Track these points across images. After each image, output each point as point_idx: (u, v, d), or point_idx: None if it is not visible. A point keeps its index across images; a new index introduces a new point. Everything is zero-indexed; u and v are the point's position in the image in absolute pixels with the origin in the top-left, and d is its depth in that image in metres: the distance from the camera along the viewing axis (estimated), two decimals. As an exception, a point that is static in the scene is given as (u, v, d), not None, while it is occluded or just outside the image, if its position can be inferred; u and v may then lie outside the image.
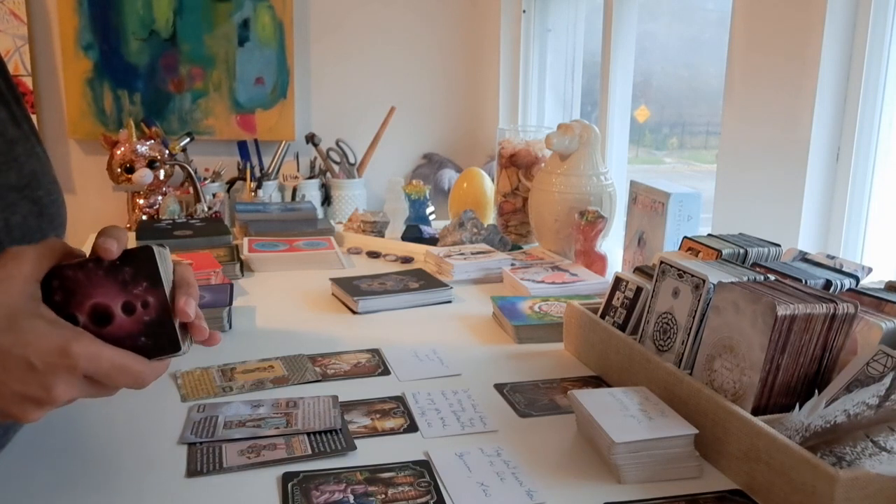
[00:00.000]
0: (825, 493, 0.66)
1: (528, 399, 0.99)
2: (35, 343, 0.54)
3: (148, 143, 2.44)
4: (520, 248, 1.80)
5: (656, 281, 1.00)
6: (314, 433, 0.87)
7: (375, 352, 1.15)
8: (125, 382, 0.59)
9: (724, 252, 1.04)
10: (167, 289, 0.61)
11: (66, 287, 0.60)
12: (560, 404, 0.97)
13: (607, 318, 1.10)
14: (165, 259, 0.63)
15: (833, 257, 1.00)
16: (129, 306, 0.60)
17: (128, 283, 0.60)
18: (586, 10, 2.31)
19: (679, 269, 0.95)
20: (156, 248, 0.62)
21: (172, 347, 0.61)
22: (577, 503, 0.76)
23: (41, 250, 0.58)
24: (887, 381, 0.71)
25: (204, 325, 0.63)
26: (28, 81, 2.46)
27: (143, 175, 2.39)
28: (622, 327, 1.06)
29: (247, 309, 1.34)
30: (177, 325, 0.61)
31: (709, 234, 1.15)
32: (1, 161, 0.73)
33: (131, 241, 0.77)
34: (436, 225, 1.95)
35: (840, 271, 0.95)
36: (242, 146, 2.56)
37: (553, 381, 1.06)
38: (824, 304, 0.79)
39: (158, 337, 0.61)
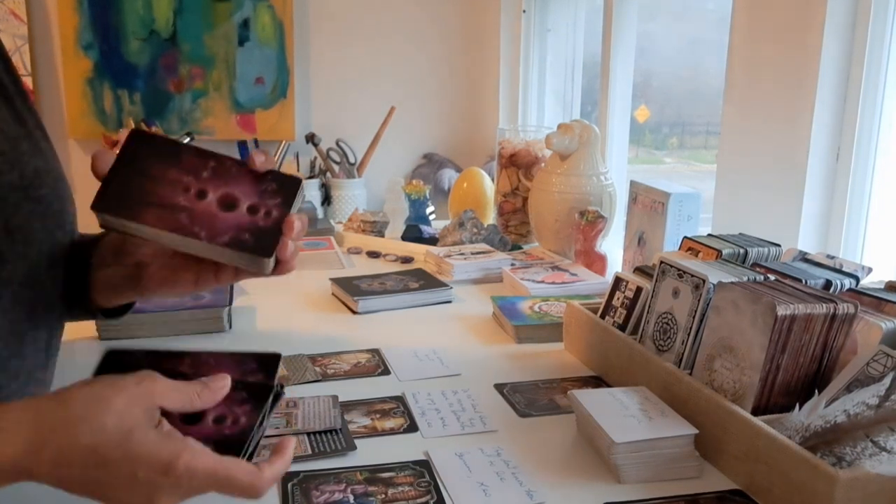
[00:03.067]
0: (825, 493, 0.66)
1: (528, 399, 0.99)
2: (143, 459, 0.56)
3: (148, 142, 2.44)
4: (520, 248, 1.80)
5: (656, 281, 1.00)
6: (314, 433, 0.87)
7: (375, 352, 1.15)
8: (234, 492, 0.60)
9: (724, 252, 1.04)
10: (265, 426, 0.65)
11: (217, 170, 0.67)
12: (560, 404, 0.97)
13: (607, 318, 1.10)
14: (301, 196, 0.69)
15: (833, 257, 1.00)
16: (255, 208, 0.67)
17: (265, 194, 0.67)
18: (586, 10, 2.31)
19: (679, 269, 0.95)
20: (277, 397, 0.66)
21: (264, 251, 0.66)
22: (577, 503, 0.76)
23: (174, 384, 0.60)
24: (887, 381, 0.71)
25: (293, 248, 0.68)
26: (28, 81, 2.46)
27: (143, 175, 2.39)
28: (622, 327, 1.06)
29: (247, 309, 1.34)
30: (247, 449, 0.63)
31: (709, 234, 1.15)
32: (2, 160, 0.72)
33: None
34: (436, 225, 1.95)
35: (840, 271, 0.95)
36: (242, 146, 2.56)
37: (553, 381, 1.06)
38: (824, 304, 0.79)
39: (259, 238, 0.66)
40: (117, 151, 0.67)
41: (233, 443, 0.61)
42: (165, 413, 0.60)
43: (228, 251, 0.66)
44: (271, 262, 0.67)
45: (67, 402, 0.56)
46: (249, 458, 0.62)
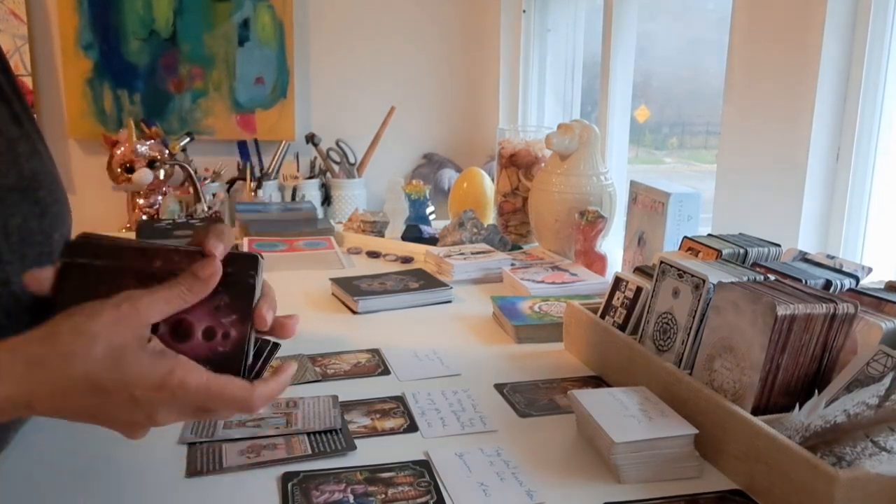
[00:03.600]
0: (825, 493, 0.66)
1: (528, 399, 0.99)
2: (137, 380, 0.57)
3: (148, 143, 2.44)
4: (520, 248, 1.80)
5: (656, 281, 1.00)
6: (314, 433, 0.87)
7: (375, 352, 1.15)
8: (230, 408, 0.61)
9: (724, 252, 1.04)
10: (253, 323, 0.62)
11: None
12: (560, 404, 0.97)
13: (607, 318, 1.10)
14: (260, 278, 0.63)
15: (833, 257, 1.00)
16: (211, 332, 0.61)
17: (220, 310, 0.61)
18: (586, 10, 2.31)
19: (679, 269, 0.95)
20: (256, 279, 0.62)
21: None
22: (577, 503, 0.76)
23: (156, 294, 0.59)
24: (887, 381, 0.71)
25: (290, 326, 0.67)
26: (28, 81, 2.46)
27: (143, 175, 2.39)
28: (622, 327, 1.06)
29: (247, 309, 1.34)
30: (243, 365, 0.62)
31: (709, 234, 1.15)
32: (0, 161, 0.72)
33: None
34: (436, 225, 1.95)
35: (840, 271, 0.95)
36: (242, 146, 2.56)
37: (553, 381, 1.06)
38: (824, 304, 0.79)
39: (222, 370, 0.61)
40: (53, 275, 0.61)
41: (230, 361, 0.61)
42: (155, 332, 0.59)
43: None
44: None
45: (53, 337, 0.56)
46: (251, 371, 0.62)
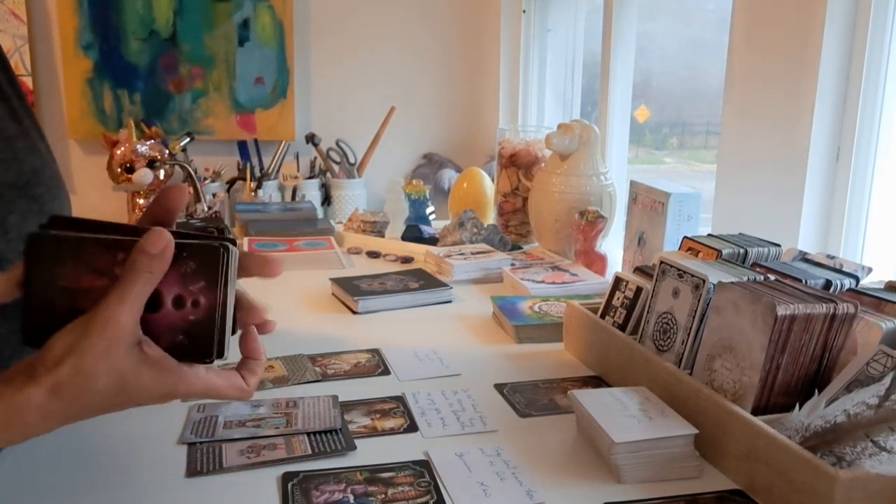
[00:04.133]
0: (825, 493, 0.66)
1: (528, 399, 0.99)
2: (143, 398, 0.58)
3: (148, 142, 2.44)
4: (520, 248, 1.80)
5: (656, 281, 1.00)
6: (314, 433, 0.87)
7: (375, 352, 1.15)
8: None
9: (724, 252, 1.04)
10: (227, 292, 0.61)
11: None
12: (560, 404, 0.97)
13: (607, 318, 1.10)
14: (233, 259, 0.61)
15: (833, 257, 1.00)
16: (181, 300, 0.60)
17: (186, 277, 0.60)
18: (586, 10, 2.31)
19: (679, 269, 0.95)
20: (226, 250, 0.60)
21: (204, 355, 0.61)
22: (577, 503, 0.76)
23: (127, 295, 0.59)
24: (887, 381, 0.71)
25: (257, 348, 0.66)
26: (28, 81, 2.46)
27: (143, 175, 2.39)
28: (622, 327, 1.06)
29: (247, 309, 1.34)
30: (216, 334, 0.61)
31: (709, 234, 1.15)
32: None
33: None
34: (436, 225, 1.95)
35: (840, 271, 0.95)
36: (242, 146, 2.56)
37: (553, 381, 1.06)
38: (824, 304, 0.79)
39: (196, 340, 0.60)
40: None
41: (203, 330, 0.60)
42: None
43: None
44: (220, 357, 0.62)
45: (60, 390, 0.56)
46: (223, 337, 0.61)
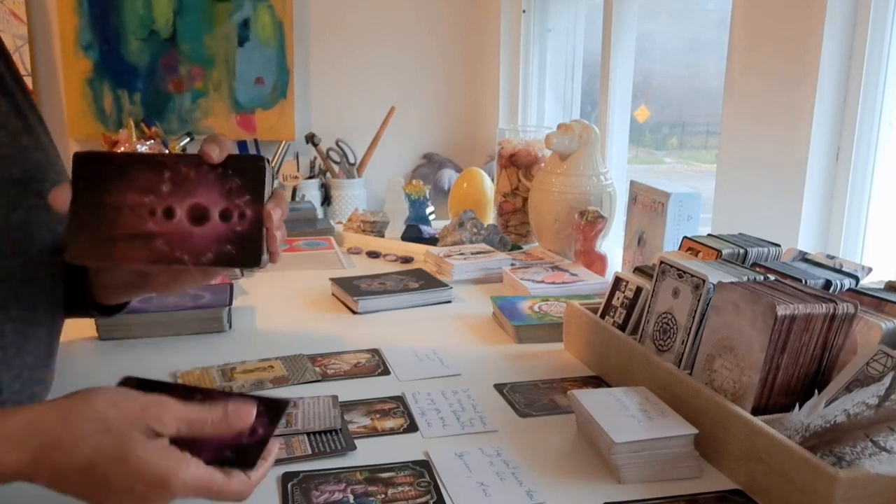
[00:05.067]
0: (825, 493, 0.66)
1: (528, 399, 0.99)
2: (141, 475, 0.57)
3: (148, 142, 2.44)
4: (520, 248, 1.80)
5: (656, 281, 1.00)
6: (314, 433, 0.87)
7: (375, 352, 1.15)
8: (224, 499, 0.61)
9: (724, 252, 1.04)
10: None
11: (175, 180, 0.64)
12: (560, 404, 0.97)
13: (607, 318, 1.10)
14: (269, 176, 0.66)
15: (833, 257, 1.00)
16: (227, 213, 0.64)
17: (232, 193, 0.64)
18: (586, 10, 2.31)
19: (679, 269, 0.95)
20: (268, 164, 0.65)
21: (253, 260, 0.64)
22: (577, 503, 0.76)
23: (185, 412, 0.60)
24: (887, 381, 0.71)
25: (280, 235, 0.67)
26: (28, 81, 2.46)
27: (143, 175, 2.39)
28: (622, 327, 1.06)
29: (247, 309, 1.34)
30: (263, 242, 0.64)
31: (709, 234, 1.15)
32: (4, 154, 0.72)
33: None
34: (436, 225, 1.95)
35: (840, 271, 0.95)
36: (242, 146, 2.56)
37: (553, 381, 1.06)
38: (824, 304, 0.79)
39: (243, 247, 0.64)
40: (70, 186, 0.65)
41: (250, 238, 0.64)
42: (173, 217, 0.62)
43: (216, 268, 0.65)
44: (264, 260, 0.66)
45: (69, 421, 0.57)
46: (264, 246, 0.65)
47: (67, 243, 0.64)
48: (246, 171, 0.65)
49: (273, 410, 0.64)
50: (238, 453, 0.62)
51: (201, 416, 0.60)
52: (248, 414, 0.61)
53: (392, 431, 0.90)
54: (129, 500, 0.58)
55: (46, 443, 0.56)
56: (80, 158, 0.65)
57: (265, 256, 0.65)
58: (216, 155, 0.64)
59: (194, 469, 0.59)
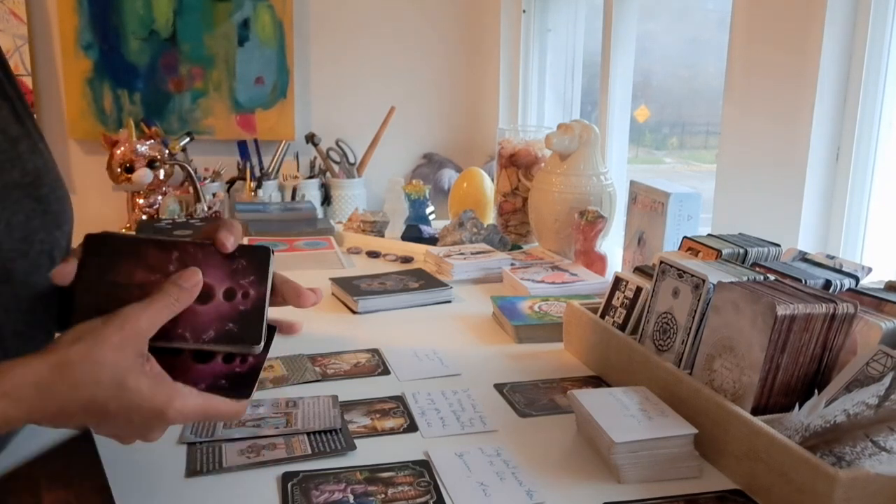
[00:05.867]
0: (825, 493, 0.66)
1: (528, 399, 0.99)
2: (137, 407, 0.61)
3: (148, 142, 2.44)
4: (520, 247, 1.80)
5: (656, 281, 1.00)
6: (314, 433, 0.87)
7: (375, 352, 1.15)
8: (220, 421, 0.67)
9: (724, 252, 1.04)
10: (269, 288, 0.68)
11: (182, 260, 0.66)
12: (560, 404, 0.97)
13: (607, 318, 1.10)
14: (272, 264, 0.69)
15: (833, 257, 1.00)
16: (231, 293, 0.67)
17: (237, 273, 0.67)
18: (586, 10, 2.31)
19: (679, 269, 0.95)
20: (272, 252, 0.69)
21: (252, 340, 0.66)
22: (577, 503, 0.76)
23: (151, 308, 0.64)
24: (887, 381, 0.71)
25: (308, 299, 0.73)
26: (28, 81, 2.46)
27: (143, 175, 2.39)
28: (622, 327, 1.06)
29: (247, 309, 1.34)
30: (264, 325, 0.67)
31: (709, 234, 1.15)
32: (3, 158, 0.72)
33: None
34: (436, 225, 1.95)
35: (840, 271, 0.95)
36: (242, 146, 2.56)
37: (553, 381, 1.06)
38: (824, 304, 0.79)
39: (244, 327, 0.66)
40: (77, 261, 0.67)
41: (252, 317, 0.66)
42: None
43: (218, 346, 0.66)
44: (263, 345, 0.68)
45: (64, 367, 0.60)
46: (264, 327, 0.68)
47: (72, 316, 0.65)
48: (253, 255, 0.68)
49: (256, 260, 0.67)
50: (232, 382, 0.65)
51: (166, 303, 0.64)
52: (192, 273, 0.66)
53: (392, 431, 0.90)
54: (129, 429, 0.63)
55: (43, 388, 0.59)
56: (91, 238, 0.68)
57: (264, 343, 0.67)
58: (230, 244, 0.68)
59: (188, 396, 0.63)
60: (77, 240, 0.76)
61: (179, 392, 0.62)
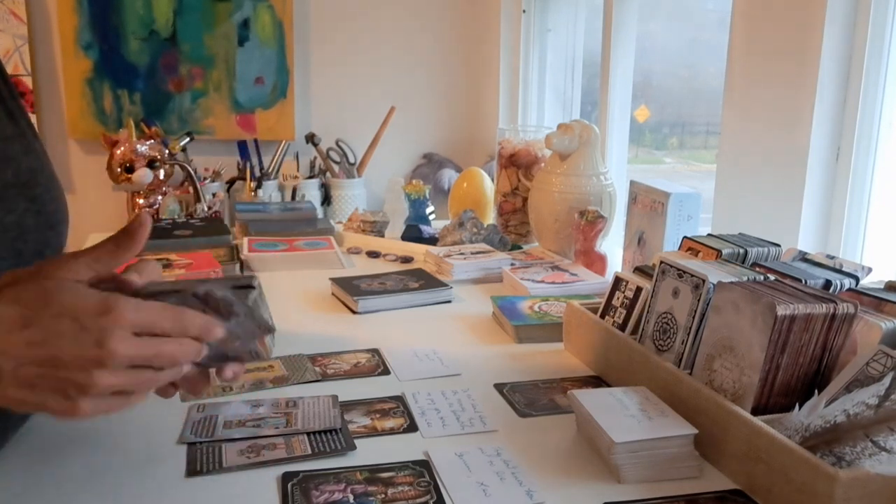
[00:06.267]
0: (825, 493, 0.66)
1: (528, 399, 0.99)
2: (78, 304, 0.54)
3: (148, 142, 2.44)
4: (520, 247, 1.80)
5: (656, 281, 1.00)
6: (314, 433, 0.87)
7: (375, 352, 1.15)
8: (189, 333, 0.58)
9: (724, 252, 1.04)
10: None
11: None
12: (560, 404, 0.97)
13: (607, 318, 1.10)
14: (260, 302, 0.70)
15: (833, 257, 0.99)
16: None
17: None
18: (586, 10, 2.31)
19: (679, 269, 0.95)
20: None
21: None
22: (577, 503, 0.76)
23: (89, 254, 0.61)
24: (887, 381, 0.71)
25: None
26: (28, 81, 2.46)
27: (143, 175, 2.39)
28: (622, 327, 1.06)
29: (247, 309, 1.34)
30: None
31: (709, 234, 1.15)
32: None
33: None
34: (436, 225, 1.95)
35: (840, 271, 0.95)
36: (242, 146, 2.56)
37: (553, 381, 1.06)
38: (824, 304, 0.79)
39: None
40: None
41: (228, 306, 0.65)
42: None
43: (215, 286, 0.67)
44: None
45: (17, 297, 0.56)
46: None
47: None
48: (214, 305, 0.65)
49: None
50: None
51: (103, 249, 0.62)
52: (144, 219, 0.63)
53: (392, 431, 0.90)
54: (84, 338, 0.54)
55: None
56: None
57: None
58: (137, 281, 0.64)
59: (142, 300, 0.57)
60: (77, 239, 0.76)
61: (126, 296, 0.56)
